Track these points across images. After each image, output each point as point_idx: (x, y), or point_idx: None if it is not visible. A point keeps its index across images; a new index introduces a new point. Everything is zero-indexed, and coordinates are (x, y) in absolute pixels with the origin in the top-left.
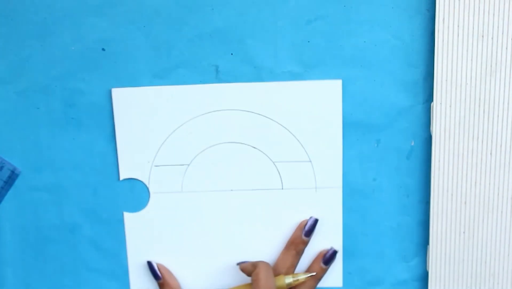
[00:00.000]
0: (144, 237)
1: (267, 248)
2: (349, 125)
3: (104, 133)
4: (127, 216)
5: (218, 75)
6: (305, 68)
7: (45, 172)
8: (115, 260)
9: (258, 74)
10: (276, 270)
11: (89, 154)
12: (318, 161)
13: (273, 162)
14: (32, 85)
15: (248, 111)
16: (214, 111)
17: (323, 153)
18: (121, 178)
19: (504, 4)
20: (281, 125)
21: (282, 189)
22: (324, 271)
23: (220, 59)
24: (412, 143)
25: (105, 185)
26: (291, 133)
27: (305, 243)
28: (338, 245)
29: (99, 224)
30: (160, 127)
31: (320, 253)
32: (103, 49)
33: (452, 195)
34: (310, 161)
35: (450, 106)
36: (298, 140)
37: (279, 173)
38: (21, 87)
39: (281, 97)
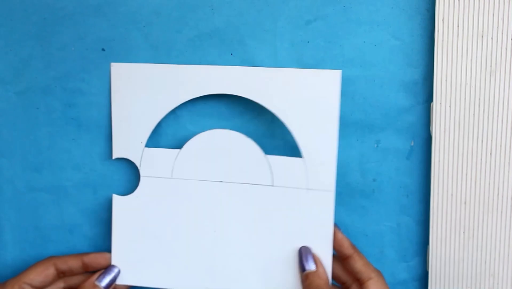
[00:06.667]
0: (131, 222)
1: (253, 245)
2: (349, 126)
3: (104, 133)
4: (116, 199)
5: None
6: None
7: (45, 172)
8: None
9: None
10: None
11: (89, 154)
12: (311, 159)
13: (265, 155)
14: (32, 85)
15: (243, 97)
16: (209, 95)
17: (317, 151)
18: (114, 156)
19: (504, 4)
20: (276, 116)
21: (272, 185)
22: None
23: (220, 59)
24: (412, 144)
25: (105, 185)
26: (285, 126)
27: None
28: (327, 251)
29: (99, 224)
30: (156, 107)
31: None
32: (103, 49)
33: (452, 195)
34: (303, 158)
35: (450, 106)
36: (292, 134)
37: (270, 167)
38: (21, 87)
39: (278, 84)
